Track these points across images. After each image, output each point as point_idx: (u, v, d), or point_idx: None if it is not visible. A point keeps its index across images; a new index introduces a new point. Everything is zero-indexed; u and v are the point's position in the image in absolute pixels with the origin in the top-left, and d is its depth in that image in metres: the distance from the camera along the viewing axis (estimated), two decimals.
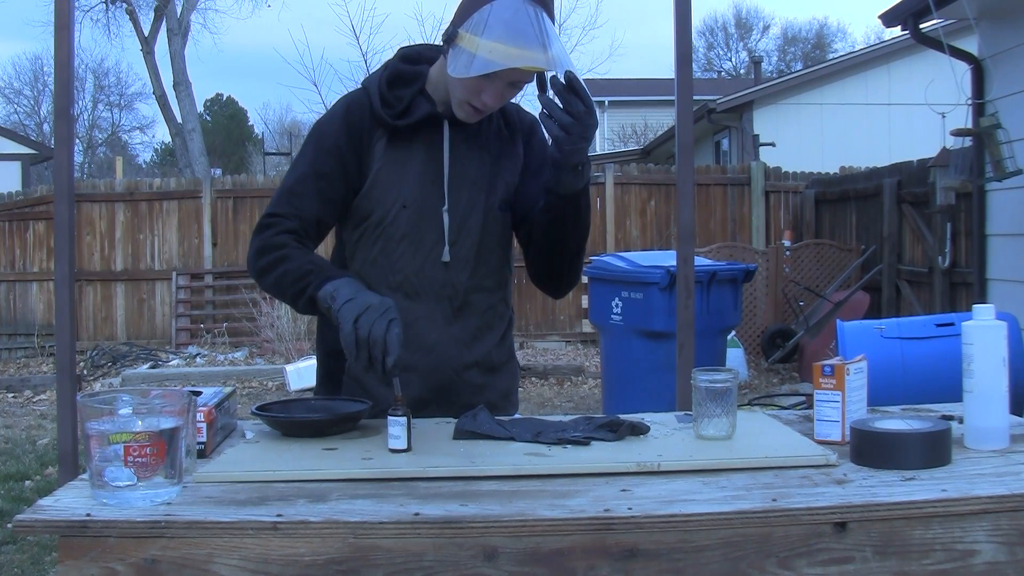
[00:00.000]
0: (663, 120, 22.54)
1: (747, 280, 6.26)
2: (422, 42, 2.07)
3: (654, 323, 5.80)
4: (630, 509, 1.38)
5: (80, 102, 32.15)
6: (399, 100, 1.94)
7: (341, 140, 1.94)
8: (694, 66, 2.96)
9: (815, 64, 19.65)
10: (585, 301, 8.59)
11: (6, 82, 39.15)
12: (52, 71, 4.42)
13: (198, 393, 1.75)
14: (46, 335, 10.42)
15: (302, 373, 8.20)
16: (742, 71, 35.66)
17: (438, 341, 1.97)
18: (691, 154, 2.72)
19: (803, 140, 13.37)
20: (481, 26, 1.78)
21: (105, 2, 21.31)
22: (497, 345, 2.05)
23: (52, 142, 6.11)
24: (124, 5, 20.84)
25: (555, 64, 1.75)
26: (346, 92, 2.04)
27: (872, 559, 1.39)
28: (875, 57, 13.98)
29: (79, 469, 2.22)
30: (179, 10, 20.24)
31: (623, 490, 1.46)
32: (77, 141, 16.70)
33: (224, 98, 39.46)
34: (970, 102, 6.31)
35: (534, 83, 1.82)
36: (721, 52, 39.80)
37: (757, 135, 13.61)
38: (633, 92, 25.10)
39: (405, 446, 1.65)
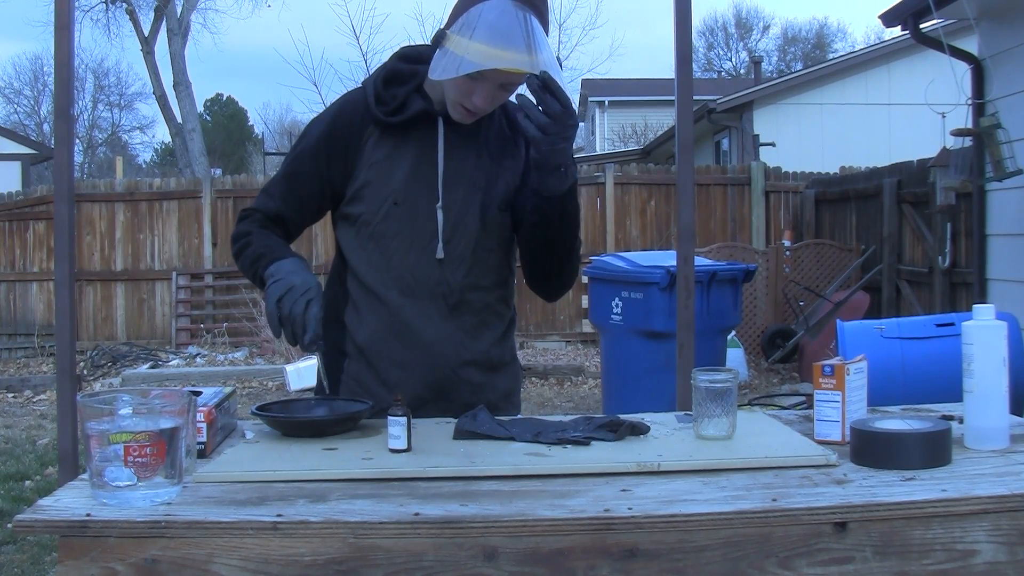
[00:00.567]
0: (663, 120, 22.55)
1: (747, 280, 6.26)
2: (423, 42, 2.07)
3: (654, 323, 5.80)
4: (630, 509, 1.38)
5: (80, 102, 32.19)
6: (393, 98, 1.95)
7: (323, 142, 1.98)
8: (694, 66, 2.96)
9: (815, 64, 19.64)
10: (585, 301, 8.60)
11: (6, 82, 39.20)
12: (52, 71, 4.41)
13: (198, 393, 1.75)
14: (46, 335, 10.43)
15: (302, 373, 8.20)
16: (742, 71, 35.66)
17: (434, 338, 1.97)
18: (691, 154, 2.71)
19: (803, 140, 13.37)
20: (467, 28, 1.78)
21: (105, 2, 21.33)
22: (496, 344, 2.05)
23: (52, 142, 6.11)
24: (124, 5, 20.85)
25: (539, 67, 1.74)
26: (346, 91, 2.06)
27: (872, 559, 1.39)
28: (875, 57, 13.98)
29: (79, 469, 2.22)
30: (179, 10, 20.25)
31: (623, 490, 1.46)
32: (77, 141, 16.70)
33: (224, 98, 39.49)
34: (970, 102, 6.31)
35: None
36: (721, 52, 39.82)
37: (757, 135, 13.61)
38: (633, 92, 25.10)
39: (405, 446, 1.65)
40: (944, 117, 6.20)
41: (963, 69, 6.33)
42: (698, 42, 36.67)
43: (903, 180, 8.58)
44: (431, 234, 1.96)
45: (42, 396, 8.48)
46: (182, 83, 19.41)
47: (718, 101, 14.32)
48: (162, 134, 39.77)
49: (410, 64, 1.97)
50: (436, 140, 1.97)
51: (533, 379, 8.76)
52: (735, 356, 7.83)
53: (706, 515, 1.37)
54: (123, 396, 1.45)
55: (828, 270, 9.52)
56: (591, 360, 9.59)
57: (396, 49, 2.04)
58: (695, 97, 3.07)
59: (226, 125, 37.61)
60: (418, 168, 1.96)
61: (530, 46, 1.75)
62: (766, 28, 40.23)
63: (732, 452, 1.63)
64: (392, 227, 1.96)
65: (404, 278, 1.97)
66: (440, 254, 1.96)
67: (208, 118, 35.78)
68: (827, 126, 13.68)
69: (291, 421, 1.83)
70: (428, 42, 1.93)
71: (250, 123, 39.55)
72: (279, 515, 1.36)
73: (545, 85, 1.72)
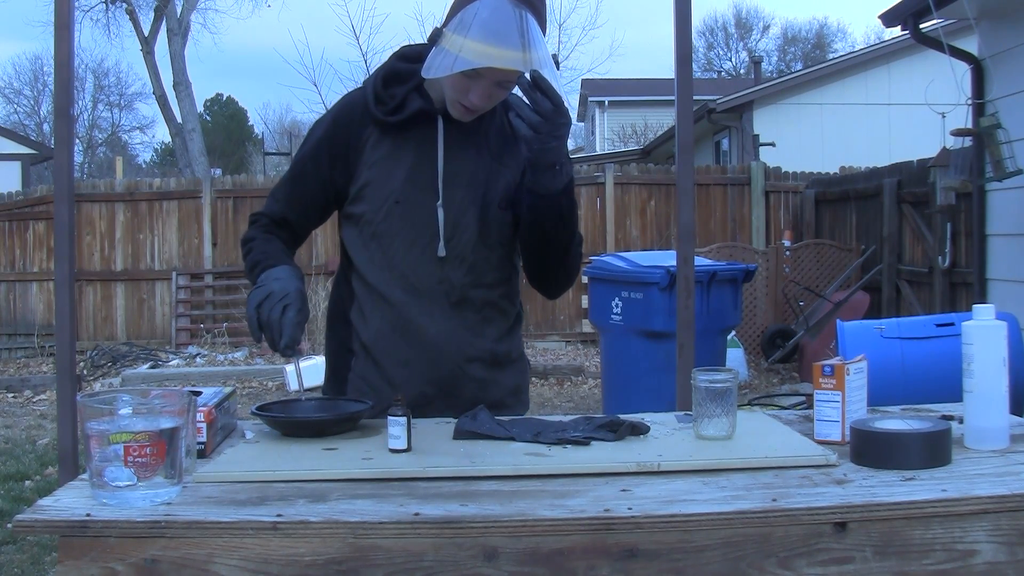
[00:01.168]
0: (663, 120, 22.55)
1: (747, 280, 6.26)
2: (423, 42, 2.07)
3: (654, 323, 5.80)
4: (630, 509, 1.38)
5: (80, 102, 32.18)
6: (392, 97, 1.96)
7: (324, 144, 2.00)
8: (694, 66, 2.96)
9: (815, 64, 19.64)
10: (585, 301, 8.60)
11: (6, 82, 39.20)
12: (52, 71, 4.41)
13: (198, 393, 1.75)
14: (46, 335, 10.43)
15: (303, 373, 8.19)
16: (742, 71, 35.66)
17: (438, 336, 1.98)
18: (691, 154, 2.72)
19: (803, 140, 13.37)
20: (462, 26, 1.78)
21: (105, 2, 21.33)
22: (500, 340, 2.05)
23: (52, 142, 6.11)
24: (124, 5, 20.84)
25: (532, 65, 1.74)
26: (347, 91, 2.07)
27: (872, 559, 1.39)
28: (875, 57, 13.98)
29: (79, 469, 2.22)
30: (179, 10, 20.24)
31: (623, 490, 1.46)
32: (77, 141, 16.70)
33: (224, 98, 39.48)
34: (970, 102, 6.31)
35: None
36: (721, 52, 39.82)
37: (757, 135, 13.62)
38: (633, 92, 25.09)
39: (405, 446, 1.65)
40: (944, 117, 6.20)
41: (963, 69, 6.33)
42: (698, 42, 36.67)
43: (903, 180, 8.58)
44: (432, 232, 1.96)
45: (42, 396, 8.48)
46: (182, 83, 19.40)
47: (718, 101, 14.32)
48: (162, 134, 39.78)
49: (410, 63, 1.97)
50: (436, 139, 1.97)
51: (533, 379, 8.75)
52: (735, 356, 7.83)
53: (706, 515, 1.37)
54: (123, 396, 1.45)
55: (828, 270, 9.52)
56: (591, 360, 9.59)
57: (396, 49, 2.04)
58: (695, 97, 3.07)
59: (226, 125, 37.61)
60: (418, 167, 1.96)
61: (524, 44, 1.74)
62: (766, 28, 40.27)
63: (732, 452, 1.63)
64: (393, 226, 1.96)
65: (406, 276, 1.97)
66: (441, 252, 1.96)
67: (208, 118, 35.78)
68: (827, 126, 13.68)
69: (291, 421, 1.83)
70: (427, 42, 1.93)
71: (250, 123, 39.57)
72: (279, 515, 1.36)
73: (536, 83, 1.72)
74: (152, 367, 9.46)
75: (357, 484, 1.52)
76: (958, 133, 6.21)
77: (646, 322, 5.86)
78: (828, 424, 1.73)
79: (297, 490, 1.49)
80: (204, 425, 1.68)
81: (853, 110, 13.53)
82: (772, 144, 13.21)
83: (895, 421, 1.65)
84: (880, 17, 6.86)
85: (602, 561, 1.36)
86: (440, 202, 1.96)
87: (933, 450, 1.57)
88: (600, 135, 26.34)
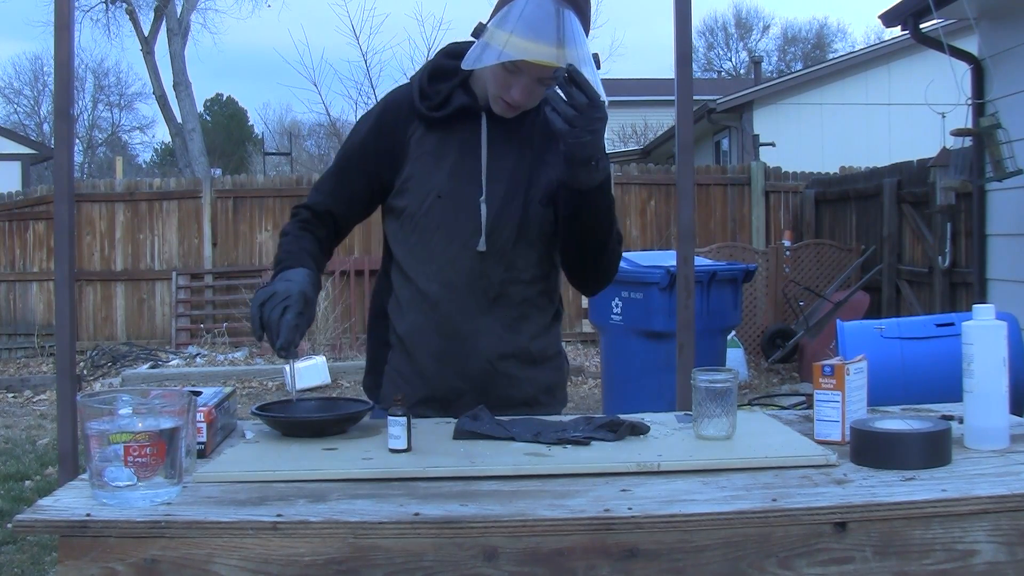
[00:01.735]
0: (663, 120, 22.54)
1: (747, 280, 6.26)
2: (466, 40, 2.08)
3: (654, 323, 5.79)
4: (630, 509, 1.38)
5: (80, 102, 32.15)
6: (437, 93, 1.99)
7: (370, 137, 2.03)
8: (694, 66, 2.96)
9: (815, 64, 19.64)
10: (585, 301, 8.59)
11: (6, 82, 39.12)
12: (52, 71, 4.41)
13: (198, 393, 1.75)
14: (46, 335, 10.42)
15: (302, 373, 8.20)
16: (742, 71, 35.66)
17: (472, 331, 1.99)
18: (691, 154, 2.72)
19: (803, 140, 13.37)
20: (502, 20, 1.81)
21: (105, 2, 21.32)
22: (537, 337, 2.05)
23: (52, 142, 6.11)
24: (124, 5, 20.84)
25: (567, 61, 1.75)
26: (394, 87, 2.12)
27: (872, 559, 1.39)
28: (875, 57, 13.99)
29: (79, 469, 2.22)
30: (179, 10, 20.24)
31: (623, 490, 1.46)
32: (77, 141, 16.70)
33: (224, 98, 39.46)
34: (970, 102, 6.31)
35: None
36: (721, 52, 39.82)
37: (757, 135, 13.62)
38: (633, 92, 25.08)
39: (405, 446, 1.65)
40: (944, 117, 6.21)
41: (963, 69, 6.33)
42: (698, 42, 36.68)
43: (903, 180, 8.58)
44: (473, 227, 1.97)
45: (42, 396, 8.48)
46: (182, 83, 19.40)
47: (718, 101, 14.32)
48: (162, 134, 39.76)
49: (455, 60, 1.98)
50: (479, 135, 1.99)
51: None
52: (735, 356, 7.83)
53: (706, 515, 1.37)
54: (123, 396, 1.45)
55: (828, 270, 9.51)
56: (591, 360, 9.59)
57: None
58: (695, 97, 3.07)
59: (226, 125, 37.58)
60: (461, 162, 1.98)
61: (560, 40, 1.76)
62: (766, 28, 40.27)
63: (732, 452, 1.63)
64: (435, 220, 1.98)
65: (445, 270, 1.99)
66: (482, 247, 1.97)
67: (208, 118, 35.76)
68: (827, 126, 13.68)
69: (291, 421, 1.83)
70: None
71: (250, 123, 39.54)
72: (279, 515, 1.36)
73: (571, 77, 1.73)
74: (152, 367, 9.46)
75: (357, 484, 1.52)
76: (958, 133, 6.21)
77: (646, 322, 5.86)
78: (828, 424, 1.73)
79: (297, 490, 1.49)
80: (204, 425, 1.68)
81: (853, 110, 13.53)
82: (772, 144, 13.21)
83: (895, 421, 1.65)
84: (880, 17, 6.86)
85: (602, 561, 1.36)
86: (483, 197, 1.97)
87: (933, 450, 1.57)
88: None
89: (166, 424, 1.43)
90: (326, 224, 2.07)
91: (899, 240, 8.66)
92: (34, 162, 19.66)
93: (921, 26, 6.51)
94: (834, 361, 1.75)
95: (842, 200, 10.00)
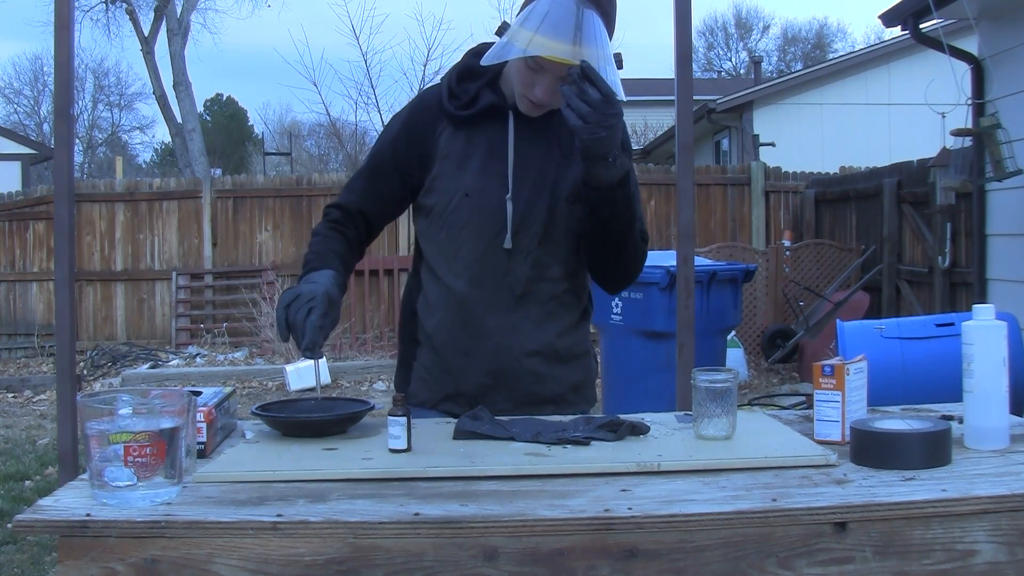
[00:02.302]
0: (663, 120, 22.53)
1: (747, 280, 6.26)
2: (487, 40, 2.09)
3: (654, 323, 5.79)
4: (630, 509, 1.38)
5: (80, 102, 32.15)
6: (465, 92, 2.01)
7: (401, 136, 2.05)
8: (694, 66, 2.96)
9: (815, 64, 19.65)
10: None
11: (6, 82, 39.12)
12: (52, 71, 4.41)
13: (198, 393, 1.75)
14: (46, 335, 10.42)
15: (302, 373, 8.20)
16: (742, 71, 35.66)
17: (498, 327, 2.00)
18: (691, 154, 2.72)
19: (803, 140, 13.37)
20: (524, 18, 1.83)
21: (105, 2, 21.31)
22: (563, 335, 2.06)
23: (52, 142, 6.11)
24: (124, 5, 20.83)
25: (582, 58, 1.76)
26: (425, 87, 2.16)
27: (872, 559, 1.39)
28: (875, 57, 13.99)
29: (79, 469, 2.22)
30: (179, 10, 20.23)
31: (623, 490, 1.46)
32: (77, 141, 16.70)
33: (224, 98, 39.46)
34: (970, 102, 6.31)
35: None
36: (721, 52, 39.81)
37: (757, 135, 13.62)
38: (633, 92, 25.00)
39: (405, 446, 1.65)
40: (944, 117, 6.21)
41: (963, 69, 6.33)
42: (698, 42, 36.67)
43: (903, 180, 8.58)
44: (500, 225, 1.99)
45: (42, 396, 8.48)
46: (182, 83, 19.39)
47: (718, 101, 14.33)
48: (162, 134, 39.73)
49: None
50: (507, 133, 2.01)
51: None
52: (735, 356, 7.83)
53: (706, 515, 1.37)
54: (123, 396, 1.45)
55: (828, 270, 9.51)
56: None
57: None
58: (695, 97, 3.07)
59: (226, 125, 37.57)
60: (489, 160, 2.00)
61: (577, 38, 1.77)
62: (766, 28, 40.25)
63: (732, 452, 1.63)
64: (462, 217, 2.00)
65: (472, 267, 2.00)
66: (508, 244, 1.99)
67: (208, 118, 35.74)
68: (827, 126, 13.69)
69: (291, 421, 1.83)
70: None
71: (250, 123, 39.52)
72: (279, 515, 1.36)
73: (585, 74, 1.74)
74: (152, 367, 9.45)
75: (357, 484, 1.52)
76: (958, 133, 6.21)
77: (646, 322, 5.86)
78: (828, 424, 1.73)
79: (297, 490, 1.49)
80: (204, 425, 1.68)
81: (853, 110, 13.53)
82: (772, 144, 13.21)
83: (895, 421, 1.65)
84: (880, 17, 6.86)
85: (602, 561, 1.36)
86: (510, 195, 1.99)
87: (933, 450, 1.57)
88: None
89: (166, 424, 1.43)
90: (357, 224, 2.09)
91: (899, 240, 8.66)
92: (34, 162, 19.66)
93: (921, 26, 6.51)
94: (834, 361, 1.75)
95: (842, 200, 10.00)
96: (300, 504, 1.42)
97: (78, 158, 32.06)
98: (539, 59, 1.83)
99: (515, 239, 1.99)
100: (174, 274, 10.65)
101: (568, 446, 1.67)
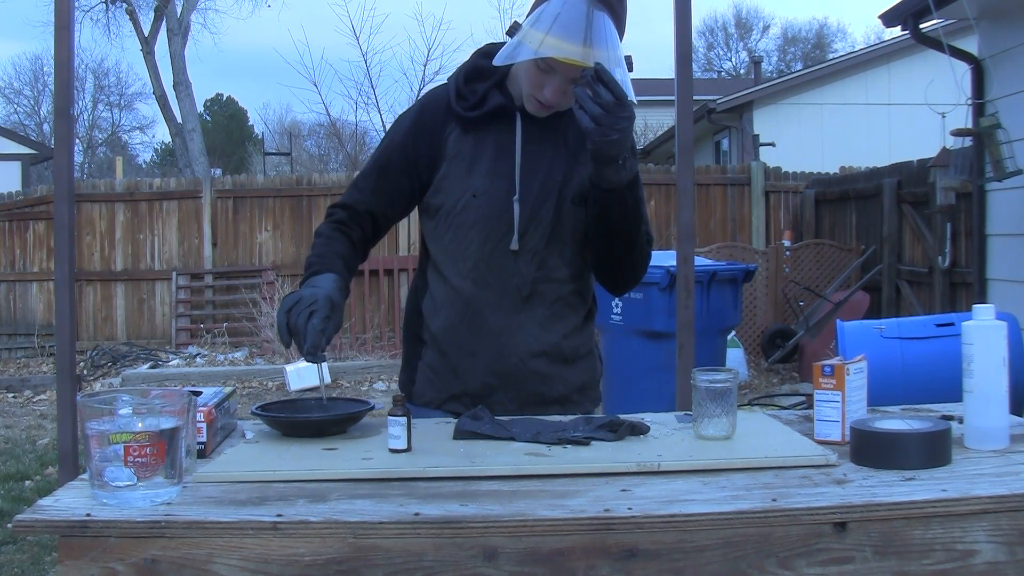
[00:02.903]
0: (663, 120, 22.53)
1: (747, 280, 6.26)
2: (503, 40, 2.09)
3: (654, 323, 5.80)
4: (630, 509, 1.38)
5: (80, 102, 32.13)
6: (473, 93, 2.01)
7: (409, 137, 2.05)
8: (694, 66, 2.96)
9: (815, 64, 19.64)
10: None
11: (6, 82, 39.08)
12: (52, 71, 4.41)
13: (198, 393, 1.75)
14: (46, 335, 10.42)
15: (302, 373, 8.20)
16: (742, 71, 35.66)
17: (504, 328, 2.00)
18: (691, 154, 2.72)
19: (803, 140, 13.37)
20: (534, 19, 1.83)
21: (105, 2, 21.31)
22: (569, 336, 2.06)
23: (52, 142, 6.11)
24: (124, 5, 20.83)
25: (593, 60, 1.76)
26: (432, 88, 2.14)
27: (872, 559, 1.39)
28: (875, 57, 13.99)
29: (79, 469, 2.22)
30: (179, 10, 20.23)
31: (623, 490, 1.46)
32: (77, 141, 16.70)
33: (224, 98, 39.44)
34: (970, 102, 6.31)
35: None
36: (721, 52, 39.82)
37: (757, 135, 13.62)
38: (633, 92, 25.05)
39: (405, 446, 1.65)
40: (944, 117, 6.21)
41: (963, 69, 6.33)
42: (698, 42, 36.67)
43: (903, 180, 8.59)
44: (507, 226, 1.99)
45: (42, 396, 8.48)
46: (182, 83, 19.39)
47: (718, 101, 14.32)
48: (162, 134, 39.72)
49: (491, 61, 2.00)
50: (514, 134, 2.01)
51: None
52: (735, 356, 7.83)
53: (706, 515, 1.37)
54: (123, 396, 1.45)
55: (828, 270, 9.51)
56: None
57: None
58: (695, 97, 3.08)
59: (226, 125, 37.56)
60: (496, 161, 2.00)
61: (587, 40, 1.77)
62: (766, 28, 40.26)
63: (732, 452, 1.63)
64: (469, 218, 2.00)
65: (479, 268, 2.00)
66: (515, 245, 1.99)
67: (208, 118, 35.73)
68: (827, 126, 13.69)
69: (291, 421, 1.83)
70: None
71: (250, 123, 39.49)
72: (279, 515, 1.36)
73: (598, 76, 1.74)
74: (152, 367, 9.46)
75: (357, 484, 1.52)
76: (958, 133, 6.21)
77: (646, 322, 5.86)
78: (828, 424, 1.73)
79: (297, 490, 1.49)
80: (204, 425, 1.68)
81: (853, 110, 13.53)
82: (772, 144, 13.21)
83: (895, 421, 1.65)
84: (880, 17, 6.86)
85: (602, 561, 1.36)
86: (517, 196, 1.99)
87: (933, 450, 1.57)
88: None
89: (166, 424, 1.43)
90: (363, 224, 2.09)
91: (899, 240, 8.66)
92: (34, 162, 19.66)
93: (921, 26, 6.51)
94: (834, 361, 1.75)
95: (842, 200, 10.00)
96: (300, 504, 1.42)
97: (78, 158, 32.04)
98: (550, 60, 1.83)
99: (522, 240, 1.99)
100: (174, 274, 10.65)
101: (568, 446, 1.67)
